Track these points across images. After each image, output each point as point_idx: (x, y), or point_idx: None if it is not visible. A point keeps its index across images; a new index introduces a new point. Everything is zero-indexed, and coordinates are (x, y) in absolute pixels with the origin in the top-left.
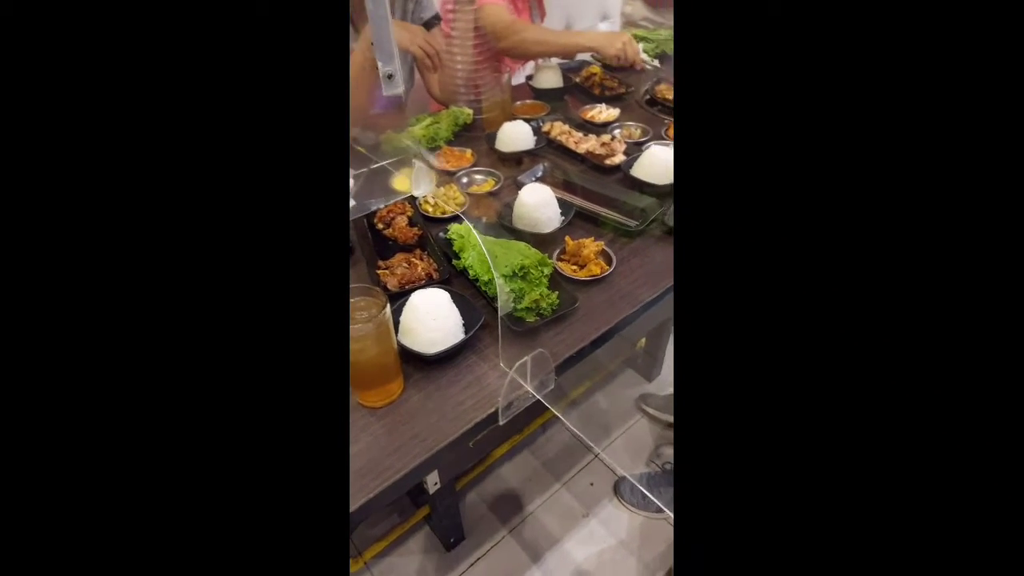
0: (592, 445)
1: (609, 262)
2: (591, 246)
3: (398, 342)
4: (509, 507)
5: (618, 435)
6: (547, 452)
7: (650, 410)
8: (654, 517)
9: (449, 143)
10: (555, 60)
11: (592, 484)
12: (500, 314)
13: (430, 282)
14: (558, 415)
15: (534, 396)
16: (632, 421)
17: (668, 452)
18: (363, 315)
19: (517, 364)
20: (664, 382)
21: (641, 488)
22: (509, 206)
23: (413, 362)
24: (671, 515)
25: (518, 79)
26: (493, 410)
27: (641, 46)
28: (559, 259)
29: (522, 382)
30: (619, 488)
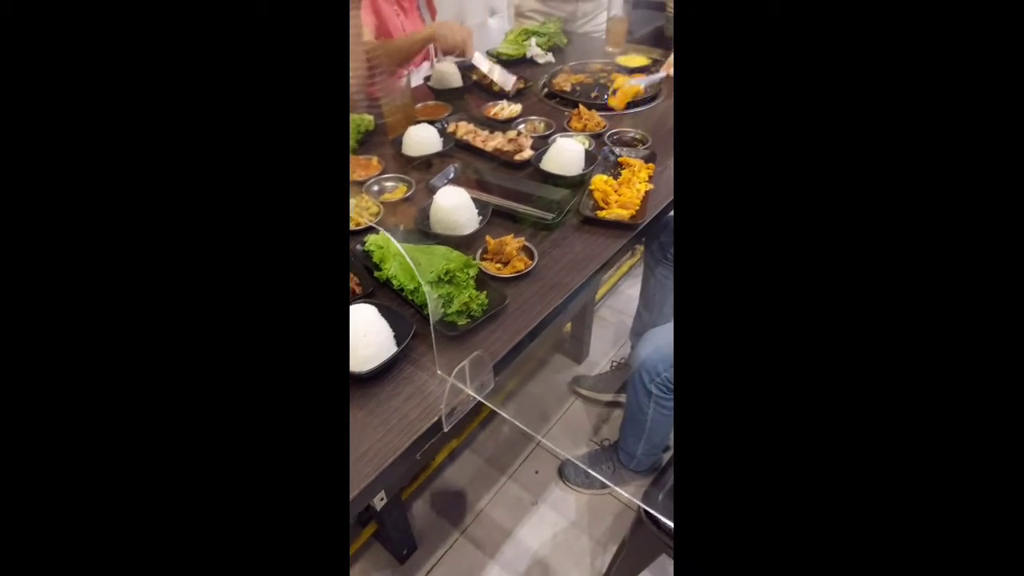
0: (535, 433)
1: (531, 256)
2: (512, 243)
3: None
4: (458, 509)
5: (556, 420)
6: (489, 448)
7: (583, 391)
8: (599, 494)
9: (353, 152)
10: (451, 59)
11: (537, 472)
12: (432, 321)
13: (353, 298)
14: (499, 411)
15: (476, 398)
16: (567, 404)
17: (605, 430)
18: None
19: (456, 369)
20: (592, 363)
21: (585, 467)
22: (425, 211)
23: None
24: (614, 489)
25: (416, 80)
26: (437, 418)
27: (534, 40)
28: (482, 259)
29: (462, 386)
30: (563, 471)
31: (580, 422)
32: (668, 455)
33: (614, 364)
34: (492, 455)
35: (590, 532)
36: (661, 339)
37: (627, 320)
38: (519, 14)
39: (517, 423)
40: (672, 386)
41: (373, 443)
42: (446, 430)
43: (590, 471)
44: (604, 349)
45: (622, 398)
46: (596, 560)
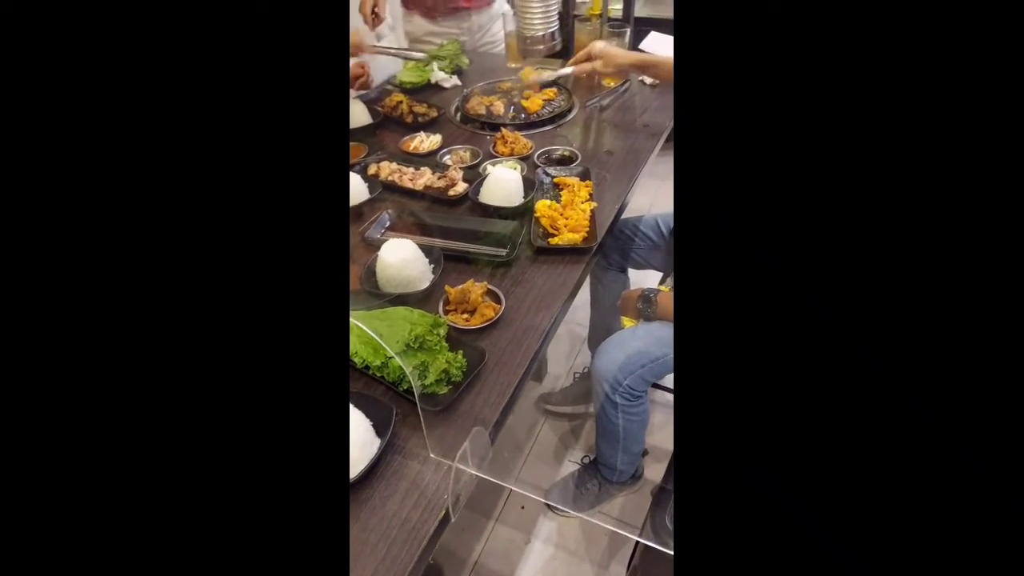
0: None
1: (498, 300)
2: (476, 289)
3: None
4: (452, 570)
5: (529, 447)
6: (470, 496)
7: (552, 408)
8: (587, 515)
9: None
10: (354, 93)
11: (523, 507)
12: (418, 399)
13: None
14: (506, 486)
15: (481, 477)
16: (538, 427)
17: (581, 445)
18: None
19: (459, 453)
20: (554, 377)
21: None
22: (370, 269)
23: None
24: (604, 508)
25: None
26: (443, 513)
27: (436, 64)
28: (444, 311)
29: (467, 469)
30: (548, 499)
31: (554, 443)
32: (646, 459)
33: (576, 375)
34: (475, 502)
35: (589, 556)
36: (614, 348)
37: (577, 329)
38: (414, 40)
39: (518, 489)
40: (635, 392)
41: (378, 563)
42: (454, 519)
43: (574, 500)
44: (562, 362)
45: (592, 408)
46: None
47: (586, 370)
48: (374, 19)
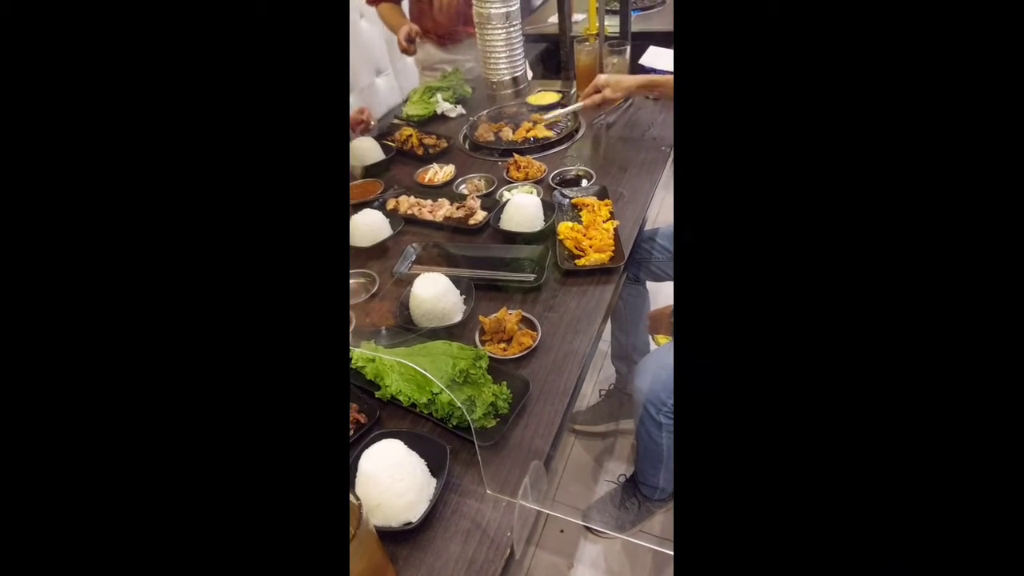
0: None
1: (534, 327)
2: (511, 318)
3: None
4: None
5: (562, 468)
6: None
7: (581, 427)
8: (630, 534)
9: None
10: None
11: (562, 531)
12: (475, 434)
13: (359, 430)
14: (560, 516)
15: (543, 512)
16: (569, 447)
17: (614, 464)
18: None
19: (520, 490)
20: (580, 395)
21: (610, 516)
22: (404, 304)
23: (392, 540)
24: (644, 527)
25: None
26: (508, 551)
27: (440, 96)
28: (481, 343)
29: (532, 506)
30: (588, 521)
31: (587, 463)
32: None
33: (602, 392)
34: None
35: None
36: (656, 366)
37: (599, 345)
38: (426, 67)
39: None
40: None
41: None
42: (518, 557)
43: (615, 521)
44: (585, 378)
45: (622, 425)
46: None
47: (612, 386)
48: (411, 46)
